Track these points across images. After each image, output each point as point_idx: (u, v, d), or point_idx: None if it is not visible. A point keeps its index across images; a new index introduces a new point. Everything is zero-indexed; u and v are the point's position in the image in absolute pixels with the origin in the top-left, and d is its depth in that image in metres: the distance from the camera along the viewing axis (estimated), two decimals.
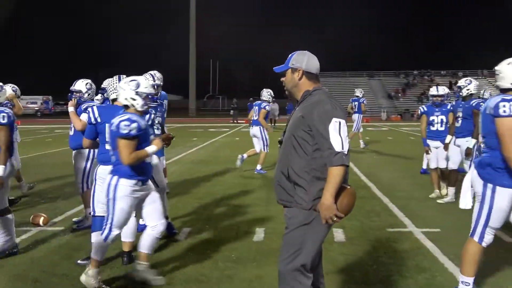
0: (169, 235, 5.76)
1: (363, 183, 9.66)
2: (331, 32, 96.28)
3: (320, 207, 2.96)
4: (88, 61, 64.53)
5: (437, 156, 8.12)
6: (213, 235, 5.97)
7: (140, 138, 4.12)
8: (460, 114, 7.57)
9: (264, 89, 11.44)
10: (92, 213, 4.88)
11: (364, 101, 17.30)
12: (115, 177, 4.20)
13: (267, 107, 10.92)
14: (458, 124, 7.62)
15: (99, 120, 4.77)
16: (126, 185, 4.18)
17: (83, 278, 4.27)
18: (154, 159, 4.39)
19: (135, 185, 4.21)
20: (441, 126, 8.06)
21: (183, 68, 53.60)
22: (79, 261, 4.91)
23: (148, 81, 4.39)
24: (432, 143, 8.17)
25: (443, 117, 8.06)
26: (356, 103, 16.92)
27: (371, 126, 31.51)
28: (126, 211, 4.25)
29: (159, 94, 6.13)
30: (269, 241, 5.72)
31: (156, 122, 5.89)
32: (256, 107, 11.20)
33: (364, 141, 16.99)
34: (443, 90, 8.22)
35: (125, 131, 4.02)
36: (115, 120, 4.11)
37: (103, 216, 4.82)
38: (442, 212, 7.16)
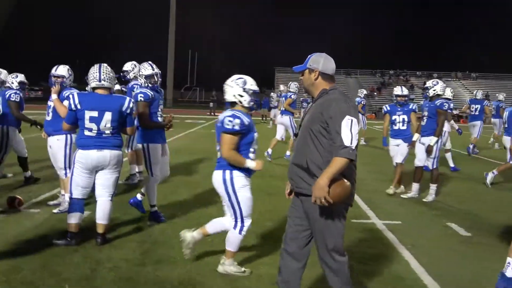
0: (157, 222, 6.03)
1: None
2: (310, 29, 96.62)
3: (314, 186, 3.21)
4: (64, 49, 63.66)
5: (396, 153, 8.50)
6: (186, 221, 6.19)
7: (243, 134, 4.30)
8: (426, 114, 7.94)
9: (292, 82, 13.27)
10: (69, 195, 5.08)
11: (363, 102, 17.78)
12: (228, 171, 4.35)
13: (293, 96, 12.36)
14: (423, 123, 8.00)
15: (79, 107, 4.97)
16: (240, 176, 4.38)
17: (220, 268, 4.51)
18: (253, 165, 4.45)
19: (246, 174, 4.44)
20: (403, 125, 8.38)
21: (161, 58, 53.41)
22: (55, 241, 5.08)
23: (252, 79, 4.52)
24: (393, 141, 8.52)
25: (405, 117, 8.36)
26: (283, 98, 16.90)
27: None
28: (249, 197, 4.45)
29: (159, 82, 6.23)
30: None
31: (159, 110, 6.15)
32: (283, 98, 12.61)
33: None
34: (407, 90, 8.60)
35: (229, 126, 4.21)
36: (221, 116, 4.29)
37: (81, 199, 5.03)
38: (403, 206, 7.53)
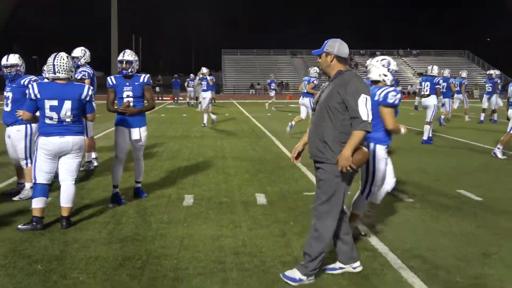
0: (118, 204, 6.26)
1: (284, 155, 10.41)
2: (256, 11, 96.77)
3: (340, 157, 3.74)
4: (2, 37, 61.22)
5: None
6: (146, 202, 6.41)
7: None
8: None
9: (311, 68, 14.13)
10: (33, 181, 5.21)
11: (315, 81, 17.50)
12: (372, 144, 4.78)
13: (315, 81, 13.43)
14: None
15: (38, 96, 5.09)
16: (381, 149, 4.80)
17: None
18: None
19: (385, 149, 4.84)
20: None
21: (104, 43, 52.26)
22: (19, 226, 5.20)
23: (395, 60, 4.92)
24: None
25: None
26: (306, 82, 16.92)
27: (293, 103, 32.55)
28: (383, 171, 4.88)
29: (130, 69, 6.33)
30: (197, 206, 6.25)
31: (125, 96, 6.28)
32: (306, 82, 13.80)
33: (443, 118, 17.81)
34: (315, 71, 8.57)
35: (392, 101, 4.69)
36: (379, 92, 4.75)
37: (45, 184, 5.17)
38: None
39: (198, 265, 4.27)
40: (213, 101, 23.05)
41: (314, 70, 13.86)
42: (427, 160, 9.90)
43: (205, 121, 16.82)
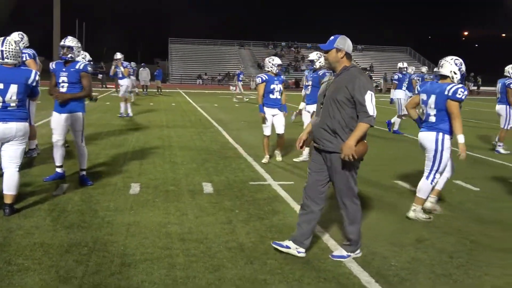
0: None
1: (231, 145, 10.54)
2: (204, 1, 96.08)
3: (344, 145, 4.04)
4: None
5: (274, 123, 8.69)
6: (92, 189, 6.39)
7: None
8: (310, 83, 8.66)
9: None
10: None
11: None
12: (441, 133, 5.35)
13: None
14: (308, 92, 8.72)
15: None
16: (448, 139, 5.36)
17: (412, 214, 5.52)
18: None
19: (451, 139, 5.37)
20: (279, 94, 8.54)
21: (46, 28, 50.53)
22: None
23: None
24: (270, 111, 8.60)
25: (281, 86, 8.57)
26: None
27: (240, 94, 32.63)
28: (447, 159, 5.42)
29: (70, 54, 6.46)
30: (144, 194, 6.29)
31: (60, 81, 6.42)
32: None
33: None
34: (279, 61, 8.66)
35: (460, 96, 5.21)
36: (449, 87, 5.26)
37: None
38: (296, 169, 8.24)
39: (145, 251, 4.34)
40: (136, 90, 22.54)
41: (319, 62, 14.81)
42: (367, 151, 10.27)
43: (121, 110, 16.11)
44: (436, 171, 5.47)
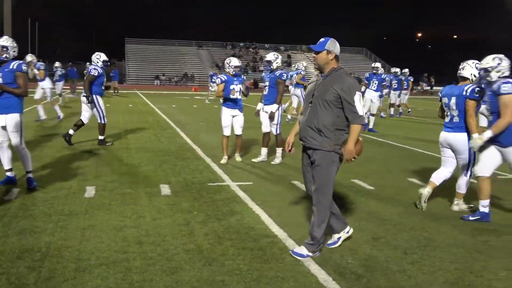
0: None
1: (189, 146, 10.46)
2: (161, 0, 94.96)
3: (345, 151, 4.29)
4: None
5: (233, 124, 8.70)
6: (45, 194, 6.22)
7: None
8: (267, 84, 8.68)
9: (300, 62, 16.19)
10: None
11: (302, 72, 16.16)
12: (465, 133, 5.77)
13: (302, 72, 15.20)
14: (265, 92, 8.73)
15: None
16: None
17: (455, 208, 6.09)
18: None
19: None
20: (239, 94, 8.53)
21: None
22: None
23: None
24: (230, 112, 8.62)
25: (241, 86, 8.52)
26: (295, 75, 16.05)
27: (198, 95, 32.52)
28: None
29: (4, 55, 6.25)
30: (99, 197, 6.17)
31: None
32: (295, 74, 15.53)
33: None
34: (236, 62, 8.59)
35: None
36: (466, 87, 5.69)
37: None
38: (254, 169, 8.25)
39: (101, 255, 4.26)
40: (62, 94, 21.94)
41: (302, 64, 15.96)
42: None
43: (40, 113, 14.85)
44: (472, 166, 5.92)
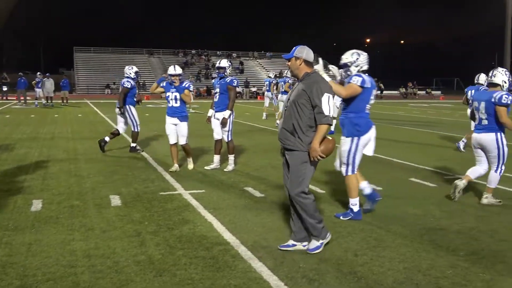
0: None
1: (140, 156, 10.30)
2: (110, 8, 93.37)
3: (310, 149, 4.47)
4: None
5: (176, 133, 8.64)
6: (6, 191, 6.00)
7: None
8: (218, 90, 8.64)
9: (287, 70, 17.21)
10: None
11: (290, 81, 18.22)
12: (499, 133, 6.40)
13: (290, 81, 16.17)
14: (216, 99, 8.69)
15: None
16: (504, 137, 6.41)
17: (485, 201, 6.50)
18: None
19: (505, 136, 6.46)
20: (176, 102, 8.48)
21: None
22: None
23: None
24: (170, 120, 8.60)
25: (177, 94, 8.43)
26: (282, 83, 18.69)
27: (151, 103, 32.22)
28: (507, 152, 6.50)
29: None
30: (46, 210, 5.99)
31: None
32: (282, 82, 17.72)
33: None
34: (179, 69, 8.56)
35: (505, 101, 6.20)
36: (495, 95, 6.28)
37: None
38: (207, 177, 8.21)
39: (47, 271, 4.12)
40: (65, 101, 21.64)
41: (288, 72, 17.28)
42: (276, 156, 10.43)
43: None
44: (503, 163, 6.49)
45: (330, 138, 4.59)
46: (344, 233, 5.28)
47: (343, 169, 5.97)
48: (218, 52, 64.17)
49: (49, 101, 29.52)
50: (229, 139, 8.76)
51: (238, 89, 17.58)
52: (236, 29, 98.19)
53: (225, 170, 8.71)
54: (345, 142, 5.85)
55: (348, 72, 5.87)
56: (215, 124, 8.77)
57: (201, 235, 5.13)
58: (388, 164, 9.75)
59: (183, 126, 8.63)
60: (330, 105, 4.47)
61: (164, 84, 8.61)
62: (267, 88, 21.04)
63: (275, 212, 6.08)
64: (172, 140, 8.70)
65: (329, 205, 6.50)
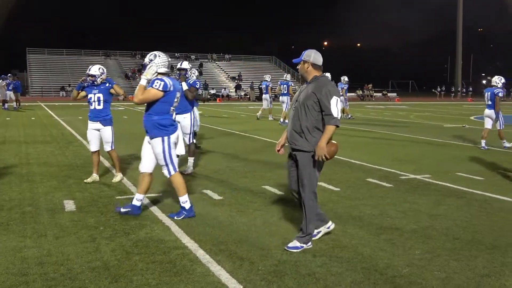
0: None
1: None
2: (64, 9, 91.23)
3: (316, 148, 4.60)
4: None
5: (100, 139, 7.92)
6: None
7: None
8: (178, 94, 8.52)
9: (287, 74, 22.81)
10: None
11: (292, 84, 21.35)
12: None
13: (292, 84, 17.09)
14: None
15: None
16: None
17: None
18: None
19: None
20: (99, 104, 7.72)
21: None
22: None
23: None
24: (92, 125, 7.79)
25: (100, 96, 7.69)
26: (285, 85, 20.91)
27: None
28: None
29: None
30: None
31: None
32: (284, 85, 20.66)
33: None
34: (96, 70, 7.74)
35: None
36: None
37: None
38: (164, 180, 8.05)
39: None
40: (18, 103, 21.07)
41: (287, 76, 21.99)
42: (235, 159, 10.44)
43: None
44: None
45: (335, 142, 4.73)
46: None
47: (165, 171, 5.88)
48: (176, 54, 63.62)
49: (17, 104, 28.71)
50: (191, 141, 8.67)
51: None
52: (194, 31, 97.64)
53: (183, 173, 8.60)
54: (157, 144, 5.76)
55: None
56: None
57: (158, 239, 5.04)
58: (346, 165, 9.85)
59: (107, 131, 7.80)
60: (338, 107, 4.65)
61: (86, 84, 7.74)
62: (265, 91, 22.26)
63: (234, 215, 6.04)
64: (93, 147, 7.88)
65: (290, 206, 6.50)
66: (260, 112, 22.44)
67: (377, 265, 4.42)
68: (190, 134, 8.60)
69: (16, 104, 29.11)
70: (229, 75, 61.42)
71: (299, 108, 4.76)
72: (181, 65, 8.72)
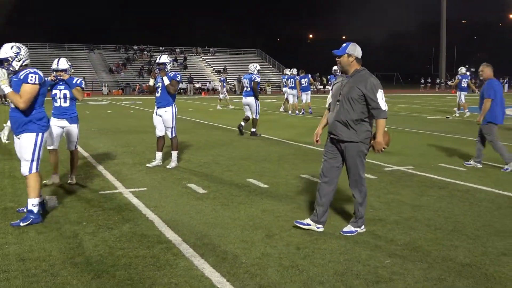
0: None
1: (80, 154, 9.98)
2: (50, 3, 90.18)
3: (375, 143, 4.91)
4: None
5: (65, 137, 7.43)
6: None
7: None
8: (160, 86, 8.46)
9: (288, 69, 21.97)
10: None
11: (298, 78, 21.15)
12: None
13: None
14: (158, 95, 8.52)
15: None
16: None
17: None
18: None
19: None
20: (65, 101, 7.24)
21: None
22: None
23: None
24: (56, 122, 7.22)
25: (67, 92, 7.20)
26: (292, 80, 21.01)
27: (91, 100, 31.44)
28: None
29: None
30: None
31: None
32: (292, 79, 20.89)
33: (311, 109, 22.36)
34: (65, 63, 7.32)
35: None
36: None
37: None
38: (148, 174, 8.05)
39: None
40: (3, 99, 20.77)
41: (290, 71, 21.43)
42: (220, 152, 10.41)
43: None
44: None
45: (386, 129, 4.99)
46: (287, 227, 5.30)
47: (25, 167, 5.43)
48: (161, 48, 63.17)
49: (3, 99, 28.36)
50: (173, 135, 8.63)
51: (182, 85, 17.96)
52: (179, 25, 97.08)
53: (168, 167, 8.58)
54: (29, 139, 5.38)
55: (11, 68, 5.34)
56: (158, 121, 8.62)
57: (141, 234, 5.02)
58: None
59: (73, 129, 7.31)
60: (383, 100, 4.87)
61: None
62: (293, 85, 20.78)
63: (218, 209, 6.03)
64: (53, 145, 7.33)
65: (274, 199, 6.51)
66: (289, 110, 21.76)
67: (359, 257, 4.46)
68: (172, 127, 8.54)
69: (2, 100, 28.72)
70: (214, 68, 61.20)
71: (343, 101, 4.93)
72: (159, 59, 8.59)
